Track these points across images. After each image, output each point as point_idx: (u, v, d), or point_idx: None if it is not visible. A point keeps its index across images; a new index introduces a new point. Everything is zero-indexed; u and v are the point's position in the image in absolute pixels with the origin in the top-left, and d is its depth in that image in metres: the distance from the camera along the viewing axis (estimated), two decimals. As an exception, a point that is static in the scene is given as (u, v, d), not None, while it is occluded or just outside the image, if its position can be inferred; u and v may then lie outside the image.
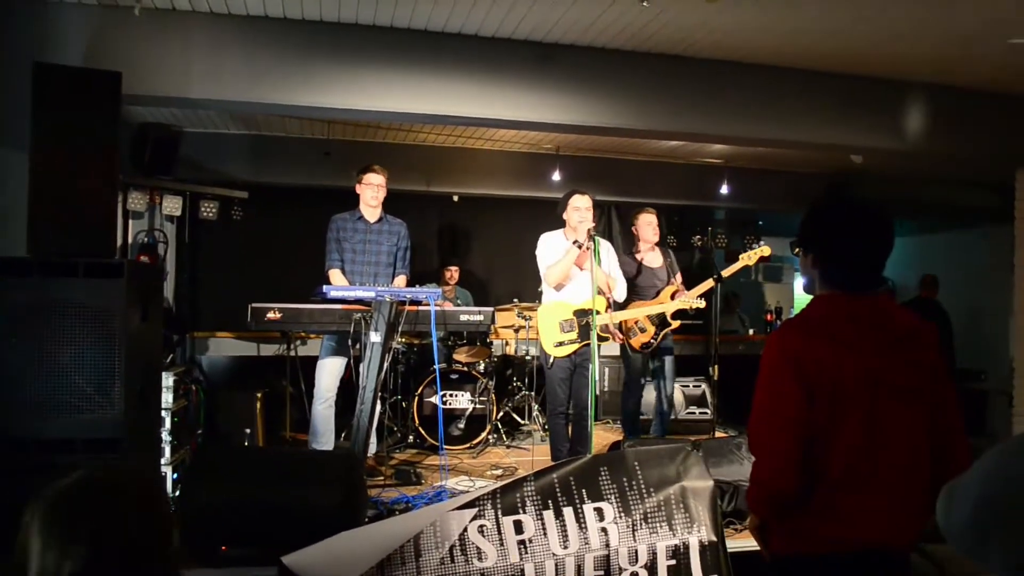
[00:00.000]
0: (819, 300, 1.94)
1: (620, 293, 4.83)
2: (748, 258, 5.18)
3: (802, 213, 2.02)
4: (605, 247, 4.83)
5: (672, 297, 5.31)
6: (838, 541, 1.81)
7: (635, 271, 5.47)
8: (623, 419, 5.78)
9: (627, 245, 7.98)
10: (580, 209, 4.60)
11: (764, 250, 5.23)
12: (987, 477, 1.28)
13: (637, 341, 5.40)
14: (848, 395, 1.78)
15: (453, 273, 7.04)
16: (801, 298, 9.92)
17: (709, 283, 5.25)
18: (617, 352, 7.10)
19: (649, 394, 5.89)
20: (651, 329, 5.35)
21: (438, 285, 7.00)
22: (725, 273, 5.21)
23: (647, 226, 5.57)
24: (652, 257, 5.62)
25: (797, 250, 2.03)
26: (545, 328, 4.66)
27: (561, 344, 4.60)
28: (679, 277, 5.56)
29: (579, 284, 4.64)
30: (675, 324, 5.35)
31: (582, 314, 4.58)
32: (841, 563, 1.81)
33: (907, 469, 1.81)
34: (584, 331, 4.55)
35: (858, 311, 1.87)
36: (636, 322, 5.36)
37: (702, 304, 5.23)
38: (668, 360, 5.61)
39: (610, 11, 4.18)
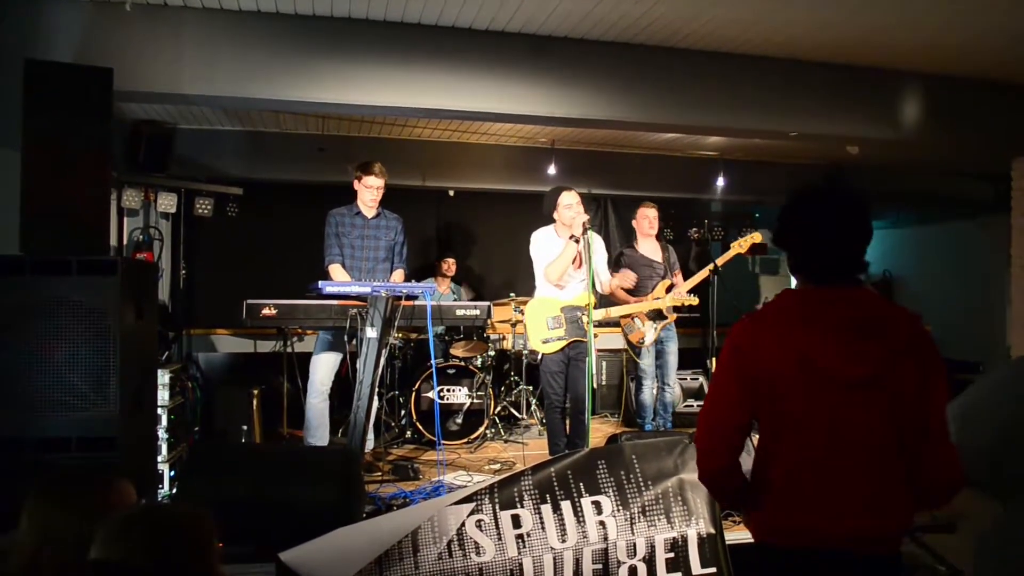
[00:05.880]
0: (783, 292, 1.91)
1: (601, 289, 4.79)
2: (739, 246, 5.20)
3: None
4: (597, 242, 4.79)
5: (667, 291, 5.34)
6: (799, 532, 1.78)
7: (635, 263, 5.54)
8: (637, 410, 5.86)
9: (626, 238, 8.01)
10: (572, 206, 4.56)
11: (755, 236, 5.24)
12: (1000, 402, 1.23)
13: (635, 336, 5.46)
14: (794, 387, 1.77)
15: (451, 265, 7.00)
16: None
17: (704, 273, 5.16)
18: (613, 346, 7.15)
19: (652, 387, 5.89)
20: (648, 324, 5.40)
21: (435, 277, 6.98)
22: (719, 261, 5.10)
23: (643, 219, 5.75)
24: (650, 250, 5.76)
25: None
26: (532, 324, 4.66)
27: (548, 341, 4.59)
28: (679, 272, 5.63)
29: (570, 280, 4.64)
30: (672, 317, 5.38)
31: (570, 310, 4.57)
32: (812, 556, 1.77)
33: (865, 460, 1.74)
34: (572, 327, 4.54)
35: (817, 302, 1.82)
36: (633, 317, 5.38)
37: (695, 301, 5.26)
38: (670, 350, 5.63)
39: (603, 3, 4.16)
